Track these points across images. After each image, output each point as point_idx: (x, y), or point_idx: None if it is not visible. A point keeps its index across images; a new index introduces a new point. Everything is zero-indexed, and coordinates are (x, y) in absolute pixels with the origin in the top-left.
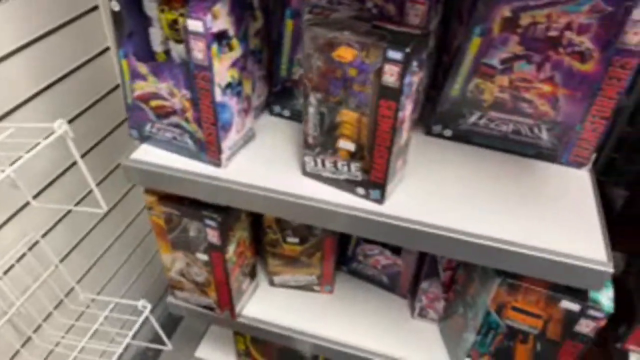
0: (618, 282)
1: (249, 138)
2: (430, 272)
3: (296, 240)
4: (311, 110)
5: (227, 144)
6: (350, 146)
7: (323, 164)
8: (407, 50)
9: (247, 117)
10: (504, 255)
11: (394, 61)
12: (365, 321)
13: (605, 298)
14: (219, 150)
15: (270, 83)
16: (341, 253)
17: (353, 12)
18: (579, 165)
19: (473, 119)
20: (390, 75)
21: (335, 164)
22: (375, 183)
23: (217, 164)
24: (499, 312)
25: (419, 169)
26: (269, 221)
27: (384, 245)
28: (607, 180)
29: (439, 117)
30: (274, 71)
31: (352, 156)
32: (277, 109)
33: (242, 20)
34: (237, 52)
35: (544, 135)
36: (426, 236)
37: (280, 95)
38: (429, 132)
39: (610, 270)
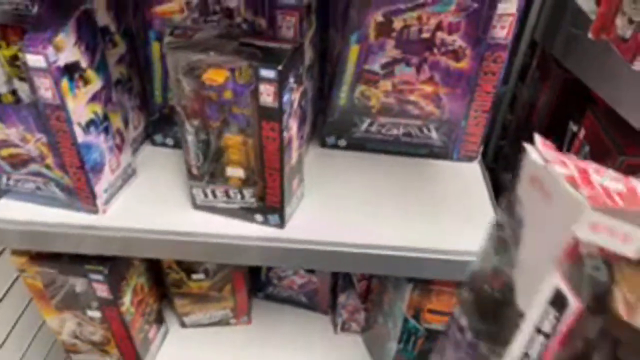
0: None
1: (128, 176)
2: (346, 285)
3: (202, 276)
4: (190, 138)
5: (101, 187)
6: (240, 172)
7: (214, 195)
8: (280, 67)
9: (121, 153)
10: (409, 263)
11: (268, 80)
12: (289, 345)
13: None
14: (93, 196)
15: (146, 112)
16: (254, 279)
17: (219, 30)
18: (469, 159)
19: (364, 126)
20: (267, 95)
21: (227, 193)
22: (272, 208)
23: (94, 210)
24: (416, 317)
25: (318, 184)
26: (168, 262)
27: None
28: (497, 168)
29: (331, 128)
30: (148, 99)
31: (244, 182)
32: (159, 138)
33: (96, 48)
34: (96, 84)
35: (433, 134)
36: (331, 256)
37: (159, 124)
38: (323, 144)
39: None
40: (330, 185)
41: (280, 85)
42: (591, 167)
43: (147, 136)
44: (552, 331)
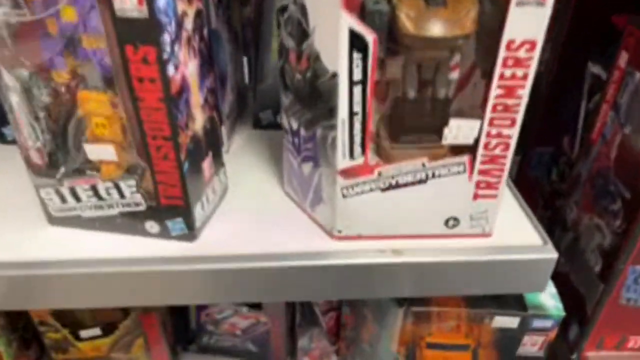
0: None
1: None
2: (307, 321)
3: (96, 331)
4: (14, 100)
5: None
6: (109, 151)
7: (75, 196)
8: None
9: None
10: (400, 272)
11: None
12: None
13: (548, 298)
14: None
15: None
16: (180, 327)
17: None
18: None
19: None
20: None
21: (95, 189)
22: (172, 208)
23: None
24: (411, 357)
25: (249, 173)
26: (38, 314)
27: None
28: None
29: (265, 99)
30: None
31: (120, 169)
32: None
33: None
34: None
35: None
36: (277, 276)
37: None
38: (257, 124)
39: (554, 254)
40: (267, 175)
41: None
42: None
43: None
44: (363, 76)
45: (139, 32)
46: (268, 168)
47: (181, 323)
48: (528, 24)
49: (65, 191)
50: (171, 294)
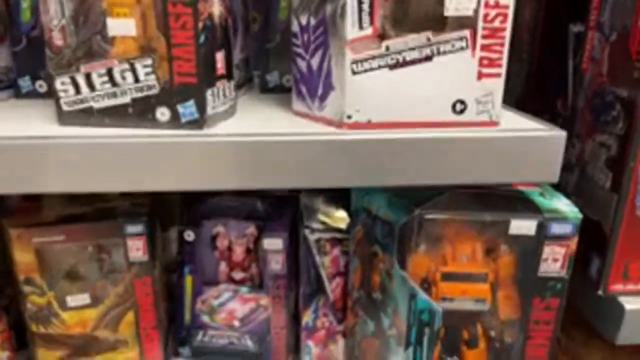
0: None
1: None
2: (312, 288)
3: (85, 299)
4: None
5: None
6: (129, 26)
7: (90, 85)
8: None
9: None
10: (408, 152)
11: None
12: None
13: (563, 205)
14: None
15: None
16: (172, 326)
17: None
18: None
19: None
20: None
21: (110, 74)
22: (184, 88)
23: None
24: (426, 287)
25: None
26: (25, 270)
27: (236, 283)
28: None
29: (275, 58)
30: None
31: (137, 49)
32: (25, 84)
33: None
34: None
35: None
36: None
37: (26, 58)
38: (265, 88)
39: (562, 132)
40: (276, 110)
41: None
42: None
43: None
44: None
45: None
46: (276, 108)
47: (174, 319)
48: None
49: (81, 78)
50: (178, 177)
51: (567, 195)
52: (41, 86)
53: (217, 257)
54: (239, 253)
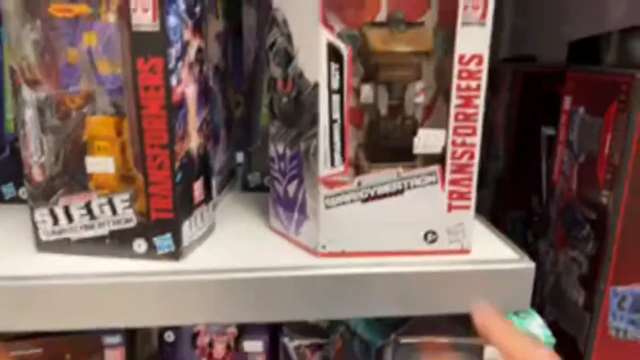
0: None
1: None
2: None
3: None
4: (28, 117)
5: None
6: (108, 164)
7: (69, 216)
8: None
9: None
10: (382, 285)
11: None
12: None
13: (537, 328)
14: None
15: None
16: None
17: None
18: None
19: None
20: (143, 11)
21: (88, 207)
22: (161, 224)
23: None
24: None
25: (240, 221)
26: None
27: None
28: None
29: (254, 161)
30: None
31: (114, 183)
32: (8, 190)
33: None
34: None
35: None
36: (257, 289)
37: (9, 165)
38: (245, 186)
39: (531, 264)
40: (254, 220)
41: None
42: None
43: None
44: (339, 85)
45: (150, 45)
46: (255, 217)
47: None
48: (474, 40)
49: (60, 211)
50: (154, 313)
51: (543, 300)
52: (24, 193)
53: (198, 356)
54: (219, 350)
